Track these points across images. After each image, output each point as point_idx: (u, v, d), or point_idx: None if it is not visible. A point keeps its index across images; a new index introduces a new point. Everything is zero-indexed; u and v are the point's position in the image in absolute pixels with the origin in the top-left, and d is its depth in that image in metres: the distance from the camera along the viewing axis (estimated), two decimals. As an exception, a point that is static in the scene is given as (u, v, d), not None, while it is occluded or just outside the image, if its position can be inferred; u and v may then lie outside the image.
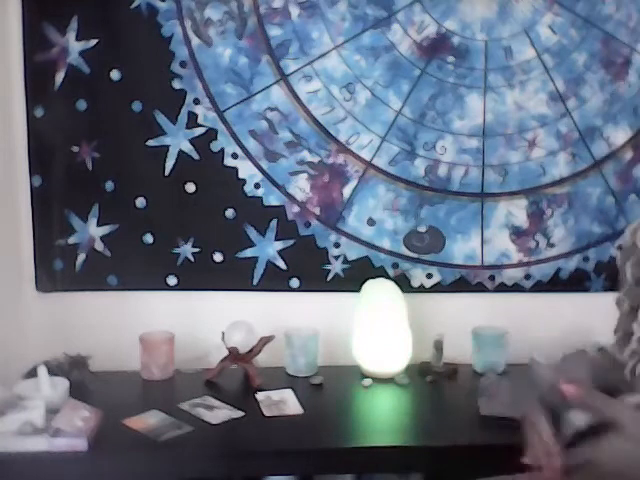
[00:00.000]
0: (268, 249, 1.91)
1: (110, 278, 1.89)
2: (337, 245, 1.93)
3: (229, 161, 1.88)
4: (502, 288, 1.97)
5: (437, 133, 1.90)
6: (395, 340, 1.81)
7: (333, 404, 1.70)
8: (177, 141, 1.85)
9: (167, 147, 1.85)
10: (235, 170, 1.88)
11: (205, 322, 1.90)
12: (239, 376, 1.80)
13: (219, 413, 1.58)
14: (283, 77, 1.86)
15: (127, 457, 1.43)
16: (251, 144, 1.87)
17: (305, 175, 1.90)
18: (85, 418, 1.44)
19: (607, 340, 1.24)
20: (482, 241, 1.95)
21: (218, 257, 1.90)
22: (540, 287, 1.97)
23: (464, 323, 1.89)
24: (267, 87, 1.85)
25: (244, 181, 1.89)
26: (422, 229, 1.94)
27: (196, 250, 1.89)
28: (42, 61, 1.79)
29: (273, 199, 1.90)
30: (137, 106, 1.83)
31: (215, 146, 1.87)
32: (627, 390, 1.01)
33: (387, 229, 1.93)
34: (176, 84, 1.84)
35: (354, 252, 1.93)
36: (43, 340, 1.83)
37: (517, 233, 1.95)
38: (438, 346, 1.86)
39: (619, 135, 1.92)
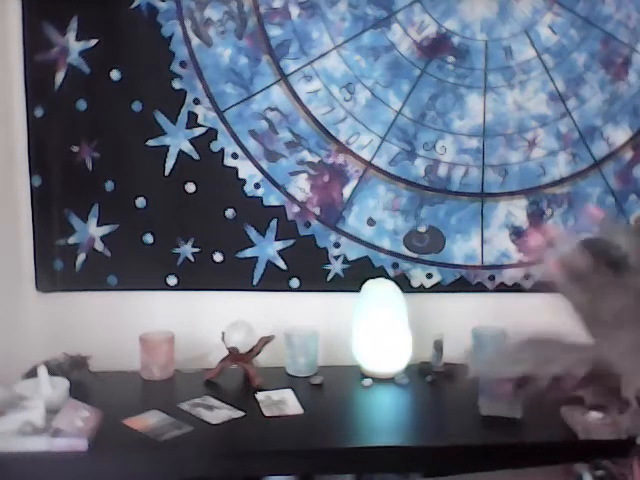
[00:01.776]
0: (268, 249, 1.91)
1: (110, 278, 1.89)
2: (337, 245, 1.93)
3: (229, 161, 1.88)
4: (502, 288, 1.97)
5: (437, 133, 1.90)
6: (395, 340, 1.81)
7: (333, 404, 1.70)
8: (177, 141, 1.85)
9: (167, 147, 1.85)
10: (235, 170, 1.88)
11: (205, 322, 1.90)
12: (239, 376, 1.80)
13: (219, 413, 1.58)
14: (283, 77, 1.86)
15: (127, 457, 1.43)
16: (251, 144, 1.87)
17: (305, 175, 1.90)
18: (85, 418, 1.44)
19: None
20: (482, 241, 1.95)
21: (218, 257, 1.90)
22: (540, 287, 1.96)
23: (464, 323, 1.89)
24: (267, 87, 1.85)
25: (244, 181, 1.89)
26: (422, 229, 1.94)
27: (196, 250, 1.89)
28: (42, 61, 1.79)
29: (273, 199, 1.90)
30: (137, 106, 1.83)
31: (215, 146, 1.87)
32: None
33: (387, 229, 1.93)
34: (176, 84, 1.84)
35: (354, 252, 1.93)
36: (43, 340, 1.83)
37: (517, 233, 1.95)
38: (438, 346, 1.86)
39: (619, 135, 1.92)
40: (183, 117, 1.85)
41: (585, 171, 1.94)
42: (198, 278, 1.90)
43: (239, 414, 1.58)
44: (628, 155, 1.93)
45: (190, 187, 1.87)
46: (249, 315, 1.82)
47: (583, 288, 0.92)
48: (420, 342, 1.85)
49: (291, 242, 1.91)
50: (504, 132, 1.91)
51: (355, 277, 1.88)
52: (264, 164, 1.89)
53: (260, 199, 1.90)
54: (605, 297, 0.90)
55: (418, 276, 1.96)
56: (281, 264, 1.92)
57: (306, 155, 1.89)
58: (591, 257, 0.92)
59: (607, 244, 0.94)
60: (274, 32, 1.84)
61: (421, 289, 1.96)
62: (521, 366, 1.06)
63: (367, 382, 1.79)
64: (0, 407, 1.43)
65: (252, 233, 1.90)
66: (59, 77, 1.80)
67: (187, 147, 1.86)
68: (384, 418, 1.64)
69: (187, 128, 1.85)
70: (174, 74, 1.83)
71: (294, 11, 1.83)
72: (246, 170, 1.88)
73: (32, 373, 1.62)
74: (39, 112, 1.81)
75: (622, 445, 1.16)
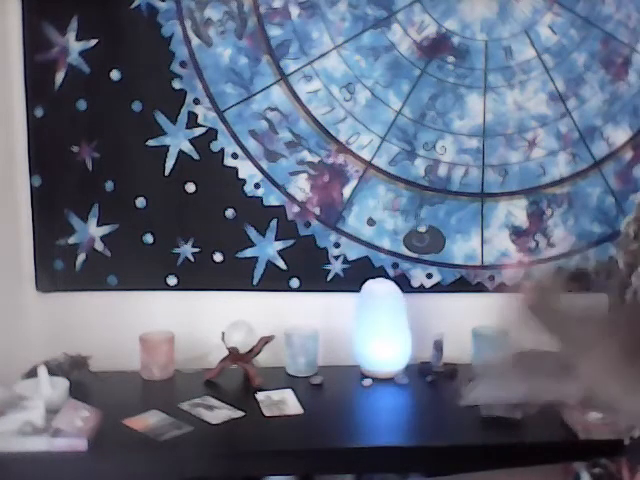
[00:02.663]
0: (268, 249, 1.91)
1: (110, 278, 1.89)
2: (337, 245, 1.93)
3: (229, 161, 1.88)
4: (502, 288, 1.97)
5: (437, 133, 1.90)
6: (395, 340, 1.81)
7: (333, 404, 1.70)
8: (177, 141, 1.85)
9: (167, 147, 1.85)
10: (235, 170, 1.88)
11: (205, 322, 1.90)
12: (239, 376, 1.80)
13: (219, 413, 1.58)
14: (283, 77, 1.86)
15: (127, 457, 1.43)
16: (251, 144, 1.87)
17: (305, 175, 1.90)
18: (85, 418, 1.44)
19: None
20: (482, 241, 1.95)
21: (218, 257, 1.90)
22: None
23: (464, 323, 1.89)
24: (267, 87, 1.85)
25: (244, 181, 1.89)
26: (422, 229, 1.94)
27: (196, 250, 1.89)
28: (42, 61, 1.79)
29: (273, 199, 1.90)
30: (137, 106, 1.83)
31: (215, 146, 1.87)
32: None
33: (387, 229, 1.93)
34: (176, 84, 1.84)
35: (354, 252, 1.93)
36: (43, 340, 1.83)
37: (517, 233, 1.95)
38: (438, 346, 1.86)
39: (619, 135, 1.92)
40: (183, 117, 1.84)
41: (585, 171, 1.94)
42: (198, 278, 1.90)
43: (239, 414, 1.58)
44: (628, 155, 1.93)
45: (190, 187, 1.87)
46: (249, 315, 1.82)
47: (553, 314, 0.95)
48: (420, 342, 1.85)
49: (291, 242, 1.91)
50: (504, 132, 1.91)
51: (355, 277, 1.88)
52: (264, 164, 1.89)
53: (260, 199, 1.90)
54: (574, 323, 0.94)
55: (418, 276, 1.96)
56: (281, 264, 1.92)
57: (306, 155, 1.89)
58: (562, 279, 0.96)
59: (577, 268, 0.99)
60: (274, 32, 1.84)
61: (421, 289, 1.96)
62: (515, 394, 1.08)
63: (367, 382, 1.79)
64: (0, 407, 1.43)
65: (252, 233, 1.90)
66: (59, 77, 1.80)
67: (187, 147, 1.86)
68: (384, 418, 1.64)
69: (187, 128, 1.85)
70: (174, 74, 1.83)
71: (294, 11, 1.83)
72: (246, 170, 1.88)
73: (32, 373, 1.62)
74: (39, 112, 1.81)
75: (622, 445, 1.16)
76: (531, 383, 1.08)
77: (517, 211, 1.94)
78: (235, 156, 1.87)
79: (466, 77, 1.88)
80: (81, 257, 1.88)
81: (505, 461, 1.41)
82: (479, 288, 1.96)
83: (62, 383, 1.59)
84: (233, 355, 1.78)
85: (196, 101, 1.84)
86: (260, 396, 1.68)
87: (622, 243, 1.23)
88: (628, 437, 1.14)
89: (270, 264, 1.91)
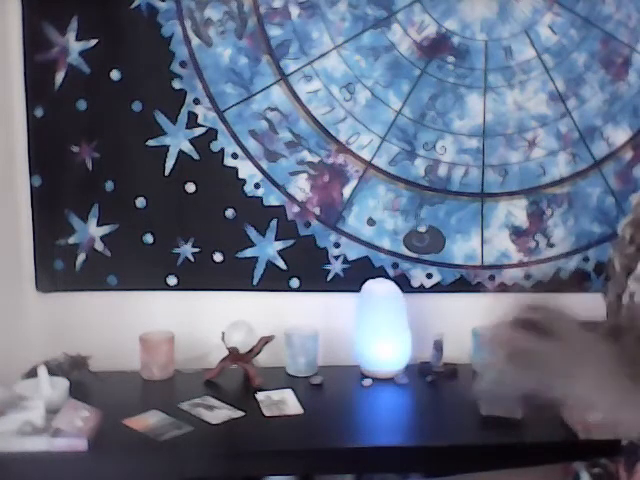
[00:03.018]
0: (268, 249, 1.91)
1: (110, 278, 1.89)
2: (337, 245, 1.93)
3: (229, 161, 1.88)
4: (502, 288, 1.97)
5: (437, 133, 1.90)
6: (395, 340, 1.81)
7: (333, 404, 1.70)
8: (177, 141, 1.85)
9: (167, 147, 1.85)
10: (235, 170, 1.88)
11: (205, 322, 1.90)
12: (239, 376, 1.80)
13: (219, 413, 1.58)
14: (283, 77, 1.86)
15: (127, 457, 1.43)
16: (251, 144, 1.87)
17: (305, 175, 1.90)
18: (85, 418, 1.44)
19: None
20: (482, 241, 1.95)
21: (218, 257, 1.90)
22: (540, 287, 1.97)
23: (464, 323, 1.89)
24: (267, 87, 1.85)
25: (244, 181, 1.89)
26: (422, 229, 1.94)
27: (196, 250, 1.89)
28: (42, 61, 1.79)
29: (273, 199, 1.90)
30: (137, 106, 1.83)
31: (215, 146, 1.87)
32: None
33: (387, 229, 1.93)
34: (176, 84, 1.84)
35: (354, 252, 1.93)
36: (43, 340, 1.83)
37: (517, 233, 1.95)
38: (438, 346, 1.86)
39: (619, 135, 1.92)
40: (183, 117, 1.84)
41: (585, 171, 1.94)
42: (198, 278, 1.90)
43: (239, 414, 1.58)
44: (628, 155, 1.93)
45: (190, 187, 1.87)
46: (249, 315, 1.82)
47: (525, 360, 0.95)
48: (420, 342, 1.85)
49: (291, 242, 1.91)
50: (504, 132, 1.91)
51: (355, 277, 1.88)
52: (264, 164, 1.89)
53: (260, 199, 1.90)
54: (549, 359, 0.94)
55: (418, 276, 1.96)
56: (281, 264, 1.92)
57: (306, 155, 1.89)
58: (525, 330, 0.96)
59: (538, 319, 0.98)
60: (274, 32, 1.84)
61: (421, 289, 1.96)
62: (525, 385, 1.07)
63: (367, 382, 1.79)
64: (0, 407, 1.43)
65: (252, 233, 1.90)
66: (59, 77, 1.80)
67: (187, 147, 1.86)
68: (384, 418, 1.64)
69: (187, 128, 1.85)
70: (174, 74, 1.83)
71: (294, 11, 1.83)
72: (246, 170, 1.88)
73: (32, 373, 1.62)
74: (39, 112, 1.81)
75: (622, 445, 1.16)
76: (533, 377, 1.07)
77: (517, 211, 1.94)
78: (235, 156, 1.87)
79: (466, 77, 1.88)
80: (81, 257, 1.88)
81: (505, 461, 1.41)
82: (479, 288, 1.96)
83: (62, 383, 1.59)
84: (233, 355, 1.78)
85: (196, 101, 1.84)
86: (260, 396, 1.68)
87: (618, 246, 1.23)
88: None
89: (270, 264, 1.91)
